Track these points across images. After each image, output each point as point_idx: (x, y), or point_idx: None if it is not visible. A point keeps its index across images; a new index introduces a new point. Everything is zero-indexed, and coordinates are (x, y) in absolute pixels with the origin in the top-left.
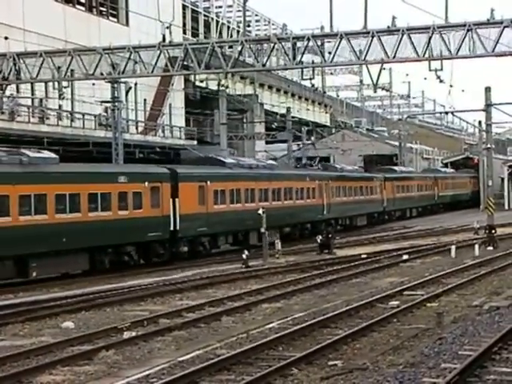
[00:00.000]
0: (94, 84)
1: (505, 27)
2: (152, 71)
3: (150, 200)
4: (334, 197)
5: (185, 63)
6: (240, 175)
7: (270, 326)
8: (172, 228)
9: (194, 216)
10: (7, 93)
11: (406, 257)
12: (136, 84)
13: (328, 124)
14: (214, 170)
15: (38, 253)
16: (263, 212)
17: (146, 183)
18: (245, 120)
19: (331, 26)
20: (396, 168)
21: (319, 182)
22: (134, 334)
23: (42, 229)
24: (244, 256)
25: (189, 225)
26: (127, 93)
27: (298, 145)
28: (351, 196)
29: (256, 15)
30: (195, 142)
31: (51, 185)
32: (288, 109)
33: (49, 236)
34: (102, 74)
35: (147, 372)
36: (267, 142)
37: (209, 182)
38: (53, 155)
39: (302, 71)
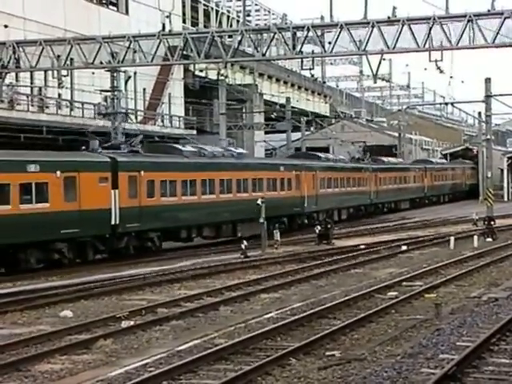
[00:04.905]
0: (93, 73)
1: (505, 18)
2: (151, 60)
3: (295, 184)
4: (381, 185)
5: (184, 52)
6: (331, 167)
7: (268, 315)
8: (306, 205)
9: (311, 197)
10: (6, 81)
11: (404, 248)
12: (135, 73)
13: (327, 114)
14: (317, 162)
15: (241, 219)
16: (262, 202)
17: (294, 171)
18: (244, 110)
19: (331, 15)
20: (433, 160)
21: (369, 173)
22: (132, 323)
23: (246, 202)
24: (243, 246)
25: (309, 203)
26: (127, 82)
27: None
28: (396, 184)
29: (256, 5)
30: (194, 132)
31: (249, 172)
32: (287, 99)
33: (249, 207)
34: (101, 62)
35: (145, 361)
36: (266, 132)
37: (318, 172)
38: (244, 150)
39: (302, 61)
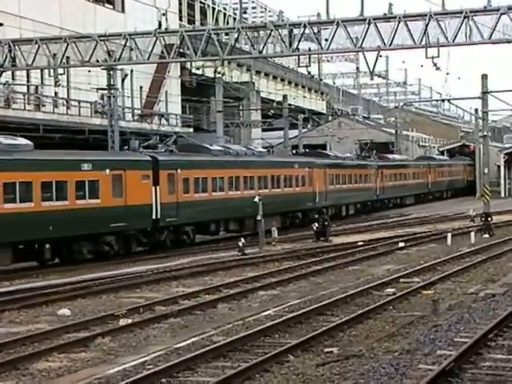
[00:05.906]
0: (89, 71)
1: (501, 14)
2: (148, 58)
3: (308, 180)
4: (387, 181)
5: (181, 50)
6: (339, 164)
7: (266, 313)
8: (317, 200)
9: (322, 193)
10: (2, 80)
11: (402, 244)
12: (132, 71)
13: (324, 111)
14: (327, 160)
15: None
16: (259, 200)
17: (307, 168)
18: (241, 107)
19: (328, 12)
20: (436, 156)
21: (375, 169)
22: (130, 321)
23: (266, 198)
24: (240, 243)
25: (320, 199)
26: (123, 80)
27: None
28: (401, 180)
29: (252, 2)
30: (191, 130)
31: (269, 169)
32: (284, 96)
33: (269, 203)
34: (97, 61)
35: (143, 359)
36: (263, 130)
37: (327, 169)
38: (263, 150)
39: (299, 58)
